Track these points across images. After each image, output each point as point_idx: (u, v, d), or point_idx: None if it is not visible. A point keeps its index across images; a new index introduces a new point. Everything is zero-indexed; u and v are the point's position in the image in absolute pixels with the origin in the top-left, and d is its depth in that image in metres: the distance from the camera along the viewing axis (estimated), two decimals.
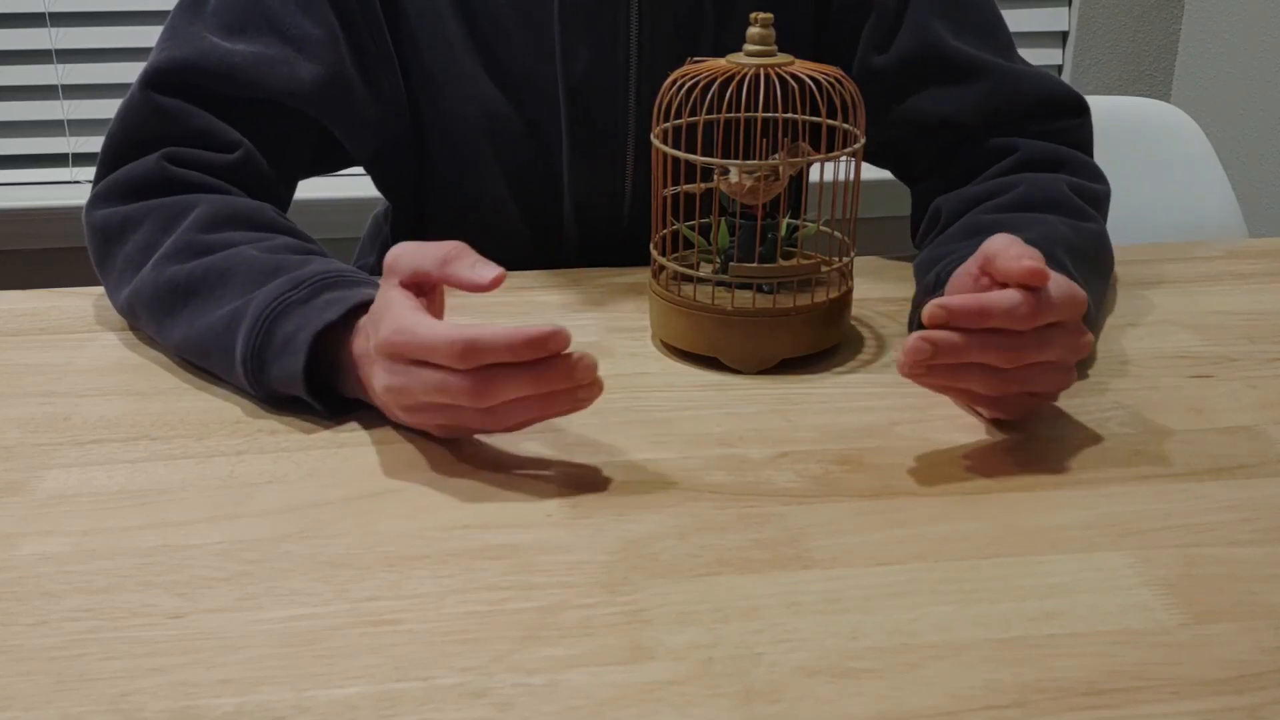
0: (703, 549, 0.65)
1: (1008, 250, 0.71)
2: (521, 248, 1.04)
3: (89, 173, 0.91)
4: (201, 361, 0.82)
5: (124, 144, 0.90)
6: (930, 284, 0.84)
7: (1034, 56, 1.93)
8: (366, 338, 0.73)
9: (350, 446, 0.75)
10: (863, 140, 0.83)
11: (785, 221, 0.87)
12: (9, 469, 0.72)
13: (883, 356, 0.86)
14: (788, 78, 0.81)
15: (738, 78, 0.80)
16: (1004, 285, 0.71)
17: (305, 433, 0.76)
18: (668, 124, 0.83)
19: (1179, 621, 0.59)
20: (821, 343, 0.85)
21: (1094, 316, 0.85)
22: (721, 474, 0.72)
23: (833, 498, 0.69)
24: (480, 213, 1.03)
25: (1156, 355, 0.87)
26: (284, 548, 0.65)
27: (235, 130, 0.91)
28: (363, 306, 0.76)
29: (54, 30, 1.79)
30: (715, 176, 0.83)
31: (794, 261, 0.86)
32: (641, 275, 0.98)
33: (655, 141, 0.82)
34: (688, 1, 0.97)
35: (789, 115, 0.80)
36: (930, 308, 0.69)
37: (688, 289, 0.84)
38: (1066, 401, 0.79)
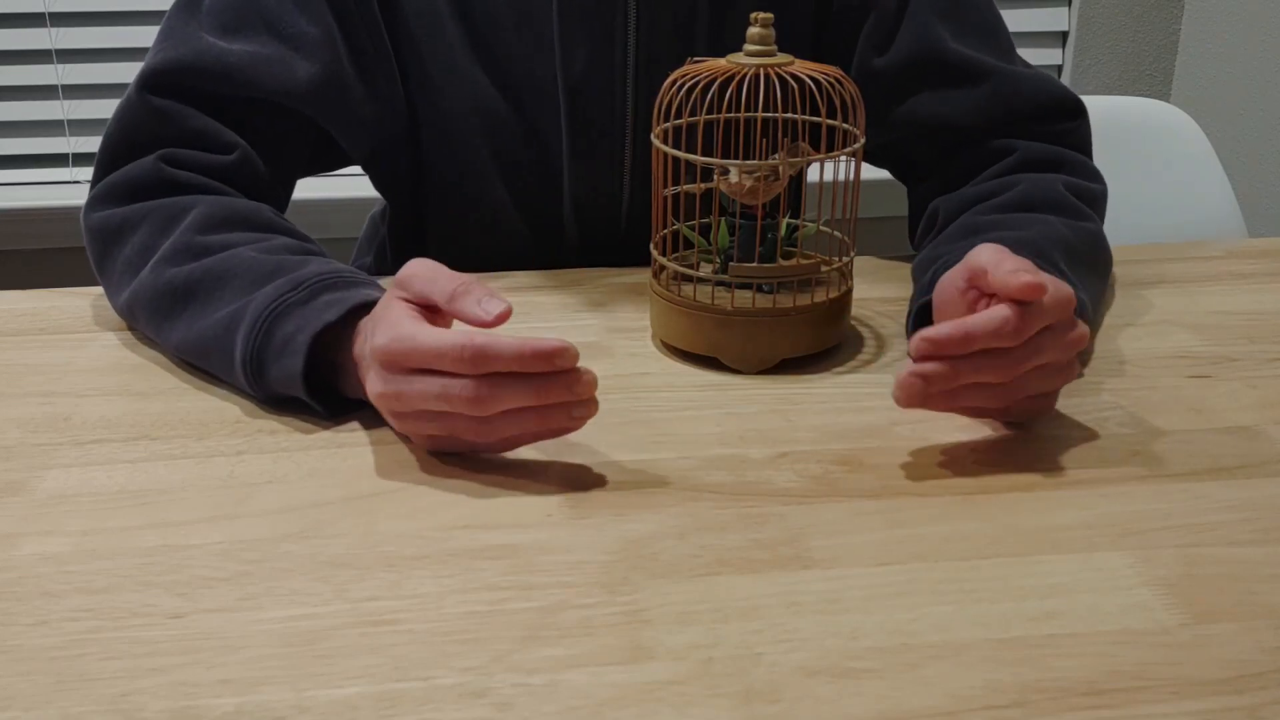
0: (703, 549, 0.65)
1: (1000, 265, 0.71)
2: (521, 247, 1.04)
3: (89, 173, 0.91)
4: (201, 363, 0.82)
5: (121, 145, 0.90)
6: (926, 284, 0.84)
7: (1034, 56, 1.93)
8: (365, 339, 0.73)
9: (350, 446, 0.75)
10: (862, 140, 0.83)
11: (785, 221, 0.87)
12: (9, 469, 0.72)
13: (883, 356, 0.86)
14: (787, 78, 0.81)
15: (738, 78, 0.80)
16: (992, 297, 0.71)
17: (305, 433, 0.76)
18: (668, 124, 0.83)
19: (1179, 621, 0.59)
20: (821, 343, 0.85)
21: (1091, 316, 0.85)
22: (721, 474, 0.72)
23: (833, 498, 0.69)
24: (480, 213, 1.03)
25: (1156, 355, 0.87)
26: (284, 548, 0.65)
27: (232, 131, 0.91)
28: (363, 307, 0.76)
29: (54, 30, 1.79)
30: (715, 176, 0.83)
31: (794, 261, 0.86)
32: (641, 275, 0.98)
33: (655, 141, 0.82)
34: (686, 1, 0.97)
35: (789, 115, 0.80)
36: (916, 342, 0.69)
37: (688, 289, 0.84)
38: (1066, 401, 0.79)
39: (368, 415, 0.77)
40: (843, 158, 0.82)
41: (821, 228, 0.89)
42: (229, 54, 0.90)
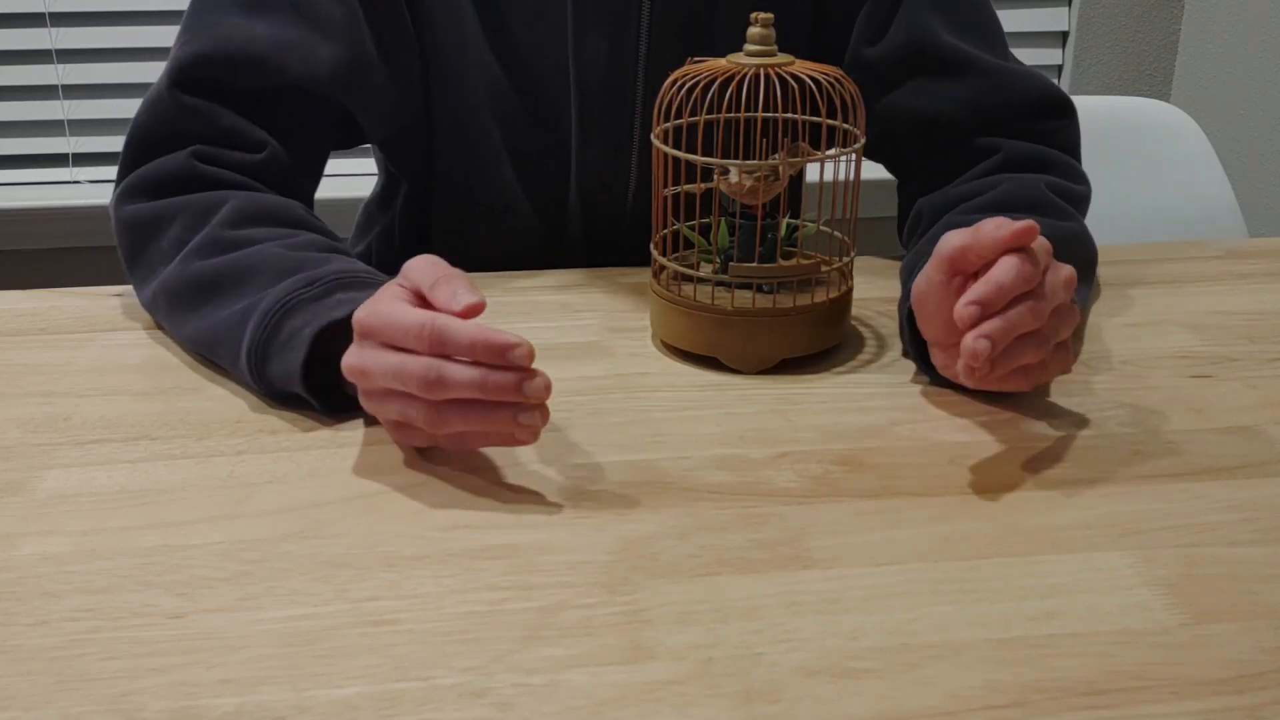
0: (703, 549, 0.65)
1: (979, 231, 0.71)
2: (526, 239, 1.05)
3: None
4: (210, 355, 0.83)
5: (151, 139, 0.90)
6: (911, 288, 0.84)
7: (1034, 56, 1.94)
8: None
9: (350, 446, 0.75)
10: (862, 140, 0.83)
11: (785, 221, 0.87)
12: (9, 469, 0.73)
13: (883, 356, 0.86)
14: (788, 78, 0.81)
15: (738, 78, 0.80)
16: (975, 276, 0.71)
17: (305, 432, 0.76)
18: (668, 124, 0.83)
19: (1179, 621, 0.59)
20: (821, 343, 0.85)
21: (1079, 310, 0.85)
22: (721, 474, 0.72)
23: (833, 498, 0.69)
24: (489, 201, 1.04)
25: (1156, 355, 0.87)
26: (284, 548, 0.65)
27: (261, 129, 0.92)
28: None
29: (54, 30, 1.79)
30: (715, 176, 0.83)
31: (794, 261, 0.86)
32: (642, 275, 0.98)
33: (655, 141, 0.83)
34: None
35: (789, 115, 0.80)
36: (962, 309, 0.68)
37: (688, 289, 0.84)
38: (1066, 401, 0.79)
39: (368, 415, 0.77)
40: (843, 158, 0.82)
41: (821, 228, 0.89)
42: (254, 40, 0.91)
